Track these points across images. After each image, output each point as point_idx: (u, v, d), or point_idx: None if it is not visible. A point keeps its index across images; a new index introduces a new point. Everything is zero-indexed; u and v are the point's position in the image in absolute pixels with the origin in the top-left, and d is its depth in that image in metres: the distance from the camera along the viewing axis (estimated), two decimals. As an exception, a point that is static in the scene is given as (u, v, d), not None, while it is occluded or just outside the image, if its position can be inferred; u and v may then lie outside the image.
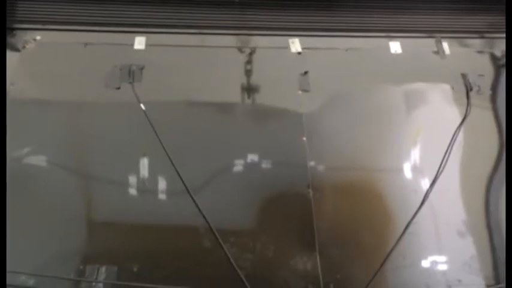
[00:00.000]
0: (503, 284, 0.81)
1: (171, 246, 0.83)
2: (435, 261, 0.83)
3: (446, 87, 1.06)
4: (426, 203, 0.89)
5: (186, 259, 0.82)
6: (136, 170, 0.88)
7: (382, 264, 0.82)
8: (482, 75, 1.07)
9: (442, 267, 0.83)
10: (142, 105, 0.95)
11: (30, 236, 0.81)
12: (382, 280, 0.81)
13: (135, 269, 0.78)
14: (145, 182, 0.88)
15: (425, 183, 0.92)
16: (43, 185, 0.87)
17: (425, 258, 0.84)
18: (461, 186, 0.93)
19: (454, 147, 0.96)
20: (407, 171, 0.94)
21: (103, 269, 0.76)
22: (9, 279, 0.69)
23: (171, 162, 0.88)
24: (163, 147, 0.89)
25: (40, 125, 0.94)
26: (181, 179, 0.87)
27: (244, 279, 0.78)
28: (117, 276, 0.76)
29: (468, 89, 1.04)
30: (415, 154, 0.96)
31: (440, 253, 0.84)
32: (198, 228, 0.83)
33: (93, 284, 0.74)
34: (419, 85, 1.06)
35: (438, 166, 0.93)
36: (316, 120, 0.98)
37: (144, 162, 0.89)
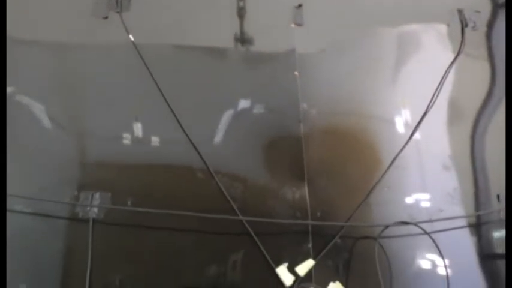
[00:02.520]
0: (482, 212, 0.86)
1: (165, 180, 0.85)
2: (419, 193, 0.87)
3: (442, 25, 1.04)
4: (413, 138, 0.91)
5: (179, 191, 0.84)
6: (126, 110, 0.88)
7: (367, 195, 0.85)
8: (478, 12, 1.06)
9: (425, 197, 0.86)
10: (131, 36, 0.93)
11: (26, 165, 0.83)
12: (367, 210, 0.84)
13: (128, 201, 0.80)
14: (138, 119, 0.88)
15: (414, 120, 0.93)
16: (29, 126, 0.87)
17: (410, 189, 0.87)
18: (449, 122, 0.94)
19: (446, 84, 0.97)
20: (398, 108, 0.95)
21: (97, 195, 0.78)
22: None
23: (166, 100, 0.88)
24: (157, 86, 0.89)
25: (26, 63, 0.92)
26: (175, 116, 0.87)
27: (236, 208, 0.81)
28: (111, 203, 0.78)
29: (463, 25, 1.03)
30: (407, 92, 0.97)
31: (424, 185, 0.87)
32: (192, 163, 0.84)
33: (88, 209, 0.77)
34: (414, 26, 1.04)
35: (428, 103, 0.95)
36: (309, 56, 0.97)
37: (135, 101, 0.89)
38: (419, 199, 0.86)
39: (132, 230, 0.79)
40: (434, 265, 0.83)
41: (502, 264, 0.86)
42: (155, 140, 0.87)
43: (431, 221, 0.82)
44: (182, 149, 0.86)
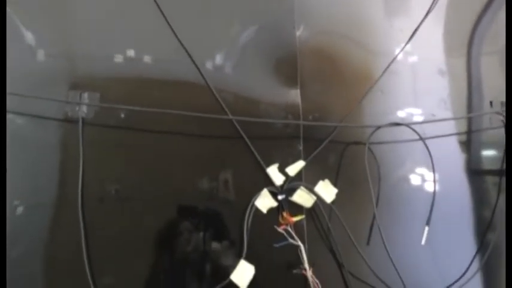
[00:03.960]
0: (473, 114, 0.86)
1: (160, 92, 0.82)
2: (413, 97, 0.86)
3: None
4: (409, 44, 0.88)
5: (170, 91, 0.82)
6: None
7: (361, 99, 0.84)
8: None
9: (419, 102, 0.86)
10: None
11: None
12: (359, 114, 0.84)
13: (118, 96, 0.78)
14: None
15: (410, 28, 0.90)
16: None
17: (403, 94, 0.86)
18: (445, 31, 0.92)
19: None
20: (395, 17, 0.91)
21: (85, 95, 0.77)
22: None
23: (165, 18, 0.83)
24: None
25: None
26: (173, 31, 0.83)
27: (225, 107, 0.80)
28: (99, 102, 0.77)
29: None
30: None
31: (417, 90, 0.87)
32: (187, 73, 0.82)
33: (77, 108, 0.76)
34: None
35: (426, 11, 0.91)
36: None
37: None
38: (412, 103, 0.85)
39: (125, 134, 0.79)
40: (423, 170, 0.85)
41: (489, 181, 0.88)
42: (151, 54, 0.83)
43: (422, 122, 0.82)
44: (178, 64, 0.82)
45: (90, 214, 0.74)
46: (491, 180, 0.89)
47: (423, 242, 0.80)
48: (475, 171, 0.88)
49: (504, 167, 0.86)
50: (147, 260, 0.74)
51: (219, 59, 0.83)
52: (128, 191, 0.75)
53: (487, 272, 0.85)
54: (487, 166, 0.89)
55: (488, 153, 0.89)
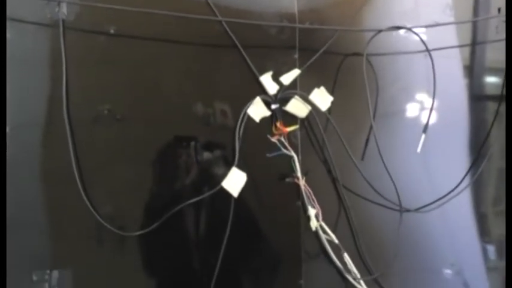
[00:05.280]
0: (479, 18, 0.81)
1: None
2: (414, 3, 0.81)
3: None
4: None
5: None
6: None
7: (361, 5, 0.79)
8: None
9: (422, 9, 0.81)
10: None
11: None
12: (360, 20, 0.80)
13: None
14: None
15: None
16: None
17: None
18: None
19: None
20: None
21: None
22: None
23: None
24: None
25: None
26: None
27: (215, 9, 0.74)
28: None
29: None
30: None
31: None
32: None
33: (56, 10, 0.70)
34: None
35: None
36: None
37: None
38: (415, 8, 0.80)
39: (113, 47, 0.74)
40: (422, 83, 0.82)
41: (490, 105, 0.86)
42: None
43: (425, 26, 0.78)
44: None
45: (83, 135, 0.71)
46: (491, 104, 0.86)
47: (419, 149, 0.79)
48: (476, 91, 0.86)
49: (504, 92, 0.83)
50: (140, 176, 0.73)
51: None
52: (121, 112, 0.73)
53: (477, 187, 0.85)
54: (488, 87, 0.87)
55: (490, 79, 0.86)
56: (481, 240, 0.84)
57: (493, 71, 0.86)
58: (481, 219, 0.85)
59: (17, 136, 0.69)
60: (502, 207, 0.82)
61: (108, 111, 0.73)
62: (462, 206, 0.84)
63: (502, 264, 0.83)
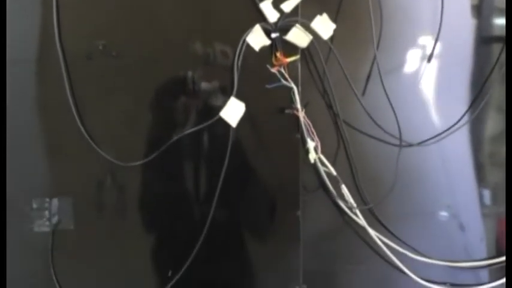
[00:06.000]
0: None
1: None
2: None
3: None
4: None
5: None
6: None
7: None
8: None
9: None
10: None
11: None
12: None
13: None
14: None
15: None
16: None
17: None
18: None
19: None
20: None
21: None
22: None
23: None
24: None
25: None
26: None
27: None
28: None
29: None
30: None
31: None
32: None
33: None
34: None
35: None
36: None
37: None
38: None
39: None
40: (430, 16, 0.79)
41: (496, 47, 0.82)
42: None
43: None
44: None
45: (78, 71, 0.71)
46: (495, 46, 0.82)
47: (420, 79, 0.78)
48: (483, 32, 0.82)
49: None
50: (137, 107, 0.73)
51: None
52: (117, 47, 0.71)
53: (475, 125, 0.84)
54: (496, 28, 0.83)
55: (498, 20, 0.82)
56: (477, 185, 0.84)
57: (502, 12, 0.82)
58: (478, 166, 0.84)
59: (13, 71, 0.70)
60: (498, 159, 0.81)
61: (103, 46, 0.72)
62: (461, 145, 0.83)
63: (497, 210, 0.83)
